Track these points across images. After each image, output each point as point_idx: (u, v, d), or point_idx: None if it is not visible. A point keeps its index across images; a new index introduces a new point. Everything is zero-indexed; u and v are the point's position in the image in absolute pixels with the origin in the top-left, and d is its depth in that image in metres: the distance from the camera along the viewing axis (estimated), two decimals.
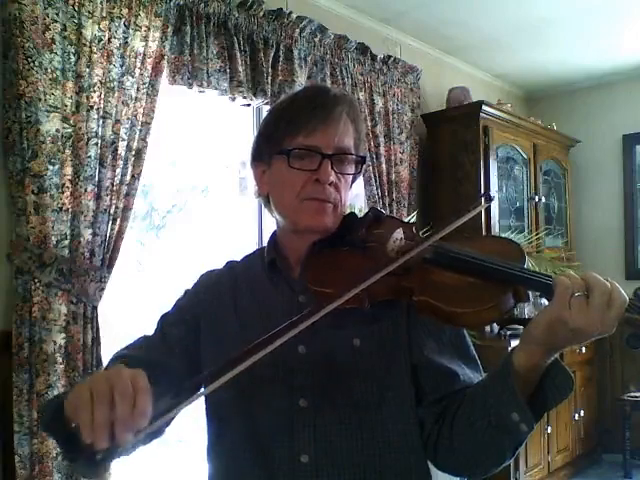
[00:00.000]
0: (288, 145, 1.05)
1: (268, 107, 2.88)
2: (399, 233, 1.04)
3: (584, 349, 4.20)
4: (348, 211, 1.14)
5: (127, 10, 2.32)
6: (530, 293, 0.91)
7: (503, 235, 3.63)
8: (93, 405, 0.74)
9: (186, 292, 1.19)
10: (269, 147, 1.09)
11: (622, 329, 0.86)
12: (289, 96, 1.18)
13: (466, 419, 0.97)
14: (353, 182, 1.14)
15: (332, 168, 1.04)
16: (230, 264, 1.21)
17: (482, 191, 3.69)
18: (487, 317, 0.90)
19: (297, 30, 3.00)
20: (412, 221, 3.43)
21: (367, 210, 1.13)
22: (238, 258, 1.23)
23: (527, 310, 4.09)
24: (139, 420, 0.74)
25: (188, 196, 3.50)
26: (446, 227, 0.95)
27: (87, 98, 2.18)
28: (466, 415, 0.98)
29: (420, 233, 1.08)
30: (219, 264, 1.22)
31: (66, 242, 2.13)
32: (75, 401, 0.77)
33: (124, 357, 1.06)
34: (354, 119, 1.10)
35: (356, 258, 1.02)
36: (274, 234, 1.17)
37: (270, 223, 1.21)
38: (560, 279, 0.85)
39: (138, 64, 2.35)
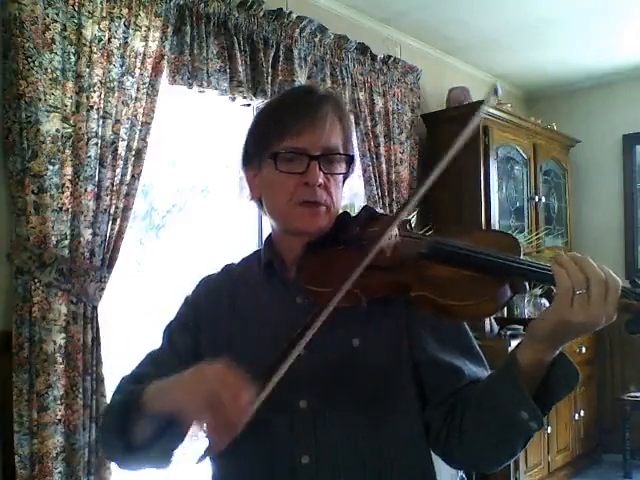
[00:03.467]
0: (275, 148, 1.04)
1: None
2: (393, 231, 1.04)
3: (584, 349, 4.20)
4: (344, 210, 1.13)
5: (127, 10, 2.32)
6: (527, 284, 0.91)
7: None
8: (204, 416, 0.85)
9: (186, 299, 1.19)
10: (257, 151, 1.09)
11: (620, 316, 0.86)
12: (275, 98, 1.18)
13: (474, 417, 0.97)
14: (345, 181, 1.13)
15: (320, 169, 1.04)
16: (228, 267, 1.21)
17: (482, 191, 3.69)
18: (486, 309, 0.91)
19: (297, 30, 3.01)
20: (412, 221, 3.43)
21: (360, 208, 1.13)
22: (237, 259, 1.23)
23: (527, 310, 4.10)
24: (246, 413, 0.84)
25: (188, 196, 3.49)
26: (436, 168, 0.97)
27: (87, 98, 2.19)
28: (474, 413, 0.97)
29: (416, 231, 1.08)
30: (217, 268, 1.22)
31: (66, 242, 2.13)
32: (180, 412, 0.88)
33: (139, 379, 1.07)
34: (341, 117, 1.09)
35: (351, 257, 1.01)
36: (270, 236, 1.17)
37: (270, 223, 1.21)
38: (561, 278, 0.83)
39: (138, 64, 2.35)
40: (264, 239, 1.19)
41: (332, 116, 1.06)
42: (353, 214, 1.14)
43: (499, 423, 0.93)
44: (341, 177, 1.10)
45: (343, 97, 3.26)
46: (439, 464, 1.08)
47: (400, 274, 0.95)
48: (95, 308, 2.21)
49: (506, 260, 0.89)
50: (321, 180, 1.03)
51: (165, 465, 1.04)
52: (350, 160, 1.10)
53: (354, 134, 3.30)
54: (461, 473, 2.76)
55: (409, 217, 3.42)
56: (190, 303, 1.17)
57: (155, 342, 1.16)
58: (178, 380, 0.91)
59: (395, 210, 3.00)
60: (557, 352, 0.90)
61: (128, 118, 2.32)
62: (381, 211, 3.35)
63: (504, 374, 0.94)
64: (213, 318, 1.12)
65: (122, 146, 2.29)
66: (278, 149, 1.04)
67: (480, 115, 1.00)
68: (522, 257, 0.92)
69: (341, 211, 1.13)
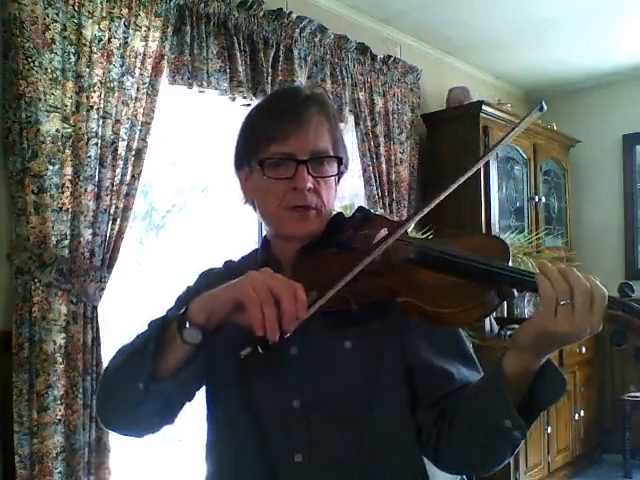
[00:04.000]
0: (263, 154, 1.04)
1: None
2: (384, 233, 1.04)
3: (584, 349, 4.20)
4: (340, 210, 1.13)
5: (127, 10, 2.32)
6: (514, 290, 0.90)
7: (503, 235, 3.63)
8: (262, 303, 0.84)
9: (188, 288, 1.19)
10: (247, 155, 1.09)
11: (607, 327, 0.84)
12: (261, 102, 1.17)
13: (463, 422, 0.97)
14: (340, 178, 1.12)
15: (309, 173, 1.03)
16: (228, 264, 1.21)
17: (482, 191, 3.69)
18: (472, 316, 0.90)
19: (297, 30, 3.01)
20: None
21: (355, 210, 1.12)
22: (236, 257, 1.23)
23: (527, 310, 4.10)
24: (302, 311, 0.85)
25: (188, 196, 3.49)
26: (434, 199, 0.94)
27: (87, 98, 2.19)
28: (463, 419, 0.97)
29: (419, 233, 1.08)
30: (218, 263, 1.23)
31: (66, 242, 2.13)
32: (237, 299, 0.86)
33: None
34: (327, 118, 1.08)
35: (341, 259, 1.00)
36: (266, 236, 1.17)
37: None
38: (545, 288, 0.82)
39: (138, 64, 2.35)
40: (262, 239, 1.20)
41: (318, 118, 1.06)
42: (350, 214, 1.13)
43: (485, 429, 0.93)
44: (332, 179, 1.09)
45: (344, 97, 3.26)
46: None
47: (388, 279, 0.94)
48: (95, 308, 2.21)
49: (491, 267, 0.88)
50: (310, 184, 1.03)
51: (177, 410, 1.02)
52: (340, 161, 1.09)
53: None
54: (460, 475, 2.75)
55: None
56: (192, 292, 1.17)
57: None
58: (232, 282, 0.90)
59: (399, 221, 3.00)
60: (544, 360, 0.90)
61: (128, 118, 2.32)
62: (380, 212, 3.35)
63: (489, 382, 0.94)
64: None
65: (122, 146, 2.29)
66: (266, 155, 1.04)
67: (520, 128, 0.99)
68: (509, 263, 0.91)
69: (338, 211, 1.13)
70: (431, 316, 0.90)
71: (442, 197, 0.95)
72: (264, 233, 1.19)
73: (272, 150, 1.03)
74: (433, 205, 0.95)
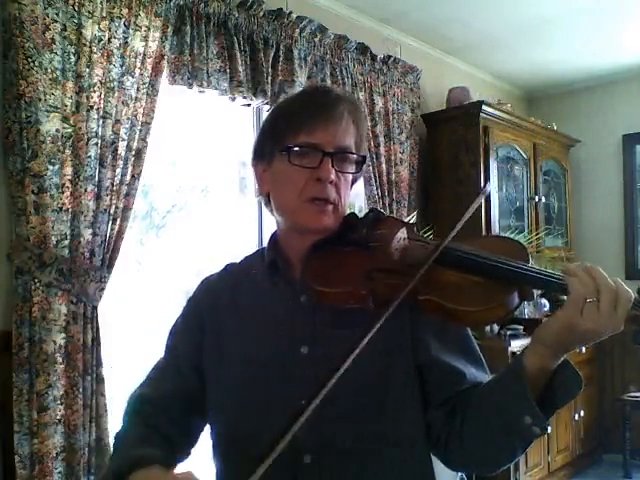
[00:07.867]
0: (289, 143, 1.05)
1: (268, 107, 2.89)
2: (403, 233, 1.04)
3: (584, 349, 4.19)
4: (348, 211, 1.14)
5: (127, 10, 2.32)
6: (535, 292, 0.91)
7: (503, 235, 3.63)
8: None
9: (188, 301, 1.20)
10: (271, 145, 1.09)
11: (628, 327, 0.86)
12: (292, 95, 1.19)
13: (476, 421, 0.97)
14: (354, 183, 1.14)
15: (333, 166, 1.04)
16: (229, 267, 1.21)
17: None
18: (493, 315, 0.91)
19: (297, 30, 3.01)
20: (412, 221, 3.43)
21: (368, 210, 1.13)
22: (238, 259, 1.23)
23: (527, 310, 4.10)
24: None
25: (188, 196, 3.49)
26: (453, 229, 0.95)
27: (87, 98, 2.18)
28: (476, 417, 0.98)
29: (421, 233, 1.09)
30: (218, 268, 1.22)
31: (66, 242, 2.13)
32: None
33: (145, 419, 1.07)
34: (356, 119, 1.09)
35: (358, 258, 1.01)
36: (274, 234, 1.17)
37: (270, 223, 1.21)
38: (574, 285, 0.84)
39: (138, 64, 2.35)
40: (268, 238, 1.19)
41: (347, 116, 1.07)
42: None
43: (501, 426, 0.94)
44: (351, 177, 1.10)
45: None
46: (439, 466, 1.08)
47: (409, 278, 0.95)
48: (95, 308, 2.21)
49: (516, 267, 0.90)
50: (333, 177, 1.04)
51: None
52: (362, 161, 1.10)
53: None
54: (460, 474, 2.75)
55: (410, 218, 3.43)
56: (192, 303, 1.18)
57: (154, 340, 1.16)
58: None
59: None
60: (562, 359, 0.91)
61: (128, 118, 2.32)
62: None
63: (510, 378, 0.94)
64: (215, 316, 1.13)
65: (122, 146, 2.29)
66: (292, 143, 1.05)
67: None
68: (531, 264, 0.92)
69: (350, 211, 1.14)
70: (451, 314, 0.90)
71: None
72: (264, 233, 1.19)
73: (300, 139, 1.04)
74: (466, 218, 0.98)
